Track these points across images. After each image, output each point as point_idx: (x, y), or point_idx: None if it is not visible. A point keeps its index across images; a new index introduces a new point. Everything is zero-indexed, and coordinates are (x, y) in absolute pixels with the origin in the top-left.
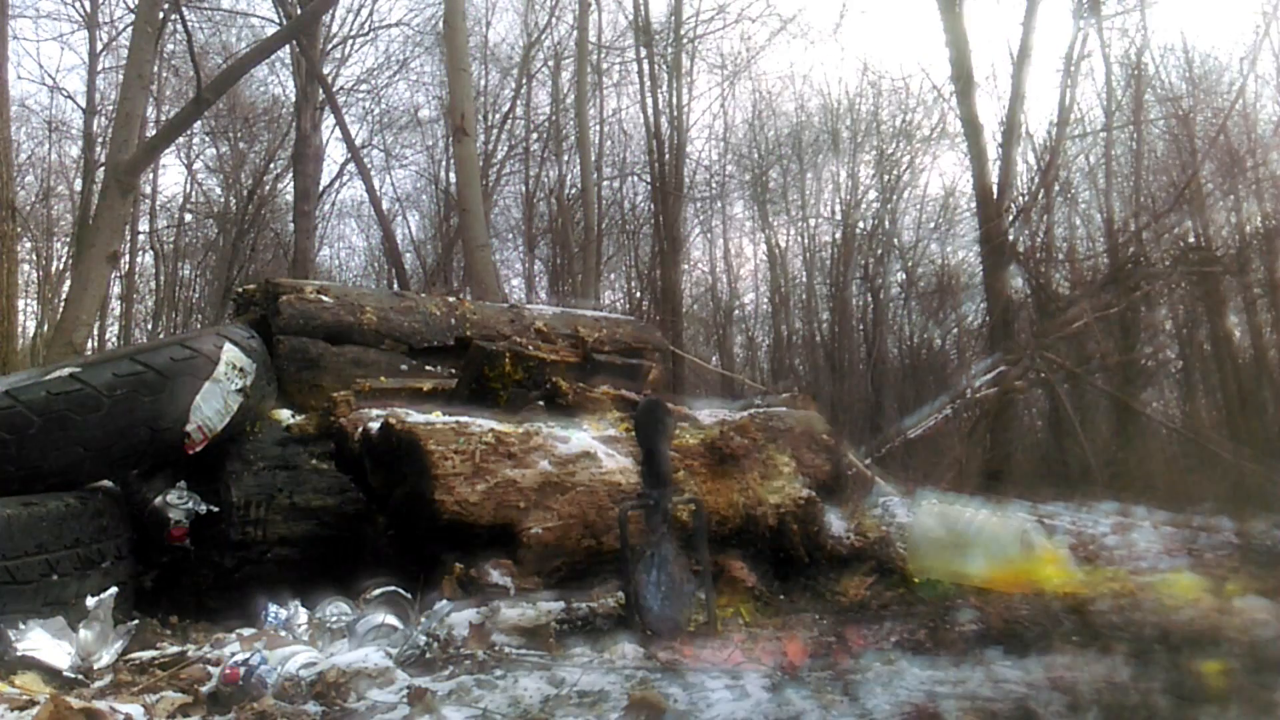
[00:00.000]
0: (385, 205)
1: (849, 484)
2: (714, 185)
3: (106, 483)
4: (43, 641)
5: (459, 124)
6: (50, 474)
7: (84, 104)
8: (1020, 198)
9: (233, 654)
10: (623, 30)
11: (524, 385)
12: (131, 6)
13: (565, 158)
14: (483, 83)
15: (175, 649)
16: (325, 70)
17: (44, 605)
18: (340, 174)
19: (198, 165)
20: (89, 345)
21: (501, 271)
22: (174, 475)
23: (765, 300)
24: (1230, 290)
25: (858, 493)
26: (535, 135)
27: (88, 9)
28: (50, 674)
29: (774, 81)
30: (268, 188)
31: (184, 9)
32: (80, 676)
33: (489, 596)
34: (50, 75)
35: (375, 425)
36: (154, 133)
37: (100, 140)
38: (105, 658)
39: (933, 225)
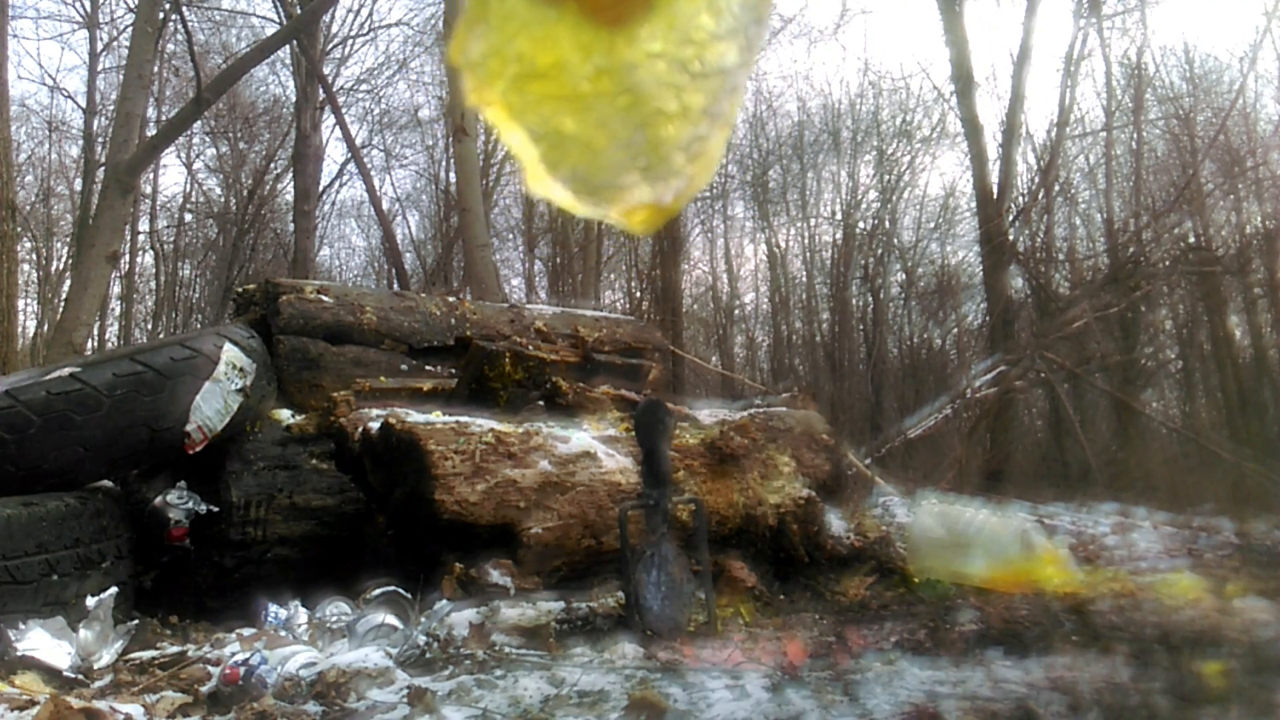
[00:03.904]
0: (385, 205)
1: (849, 484)
2: (714, 185)
3: (106, 483)
4: (43, 641)
5: (459, 124)
6: (50, 474)
7: (84, 104)
8: (1020, 198)
9: (233, 654)
10: None
11: (524, 385)
12: (131, 6)
13: None
14: None
15: (175, 649)
16: (325, 70)
17: (44, 605)
18: (340, 174)
19: (198, 165)
20: (89, 345)
21: (501, 271)
22: (174, 475)
23: (765, 300)
24: (1230, 290)
25: (858, 493)
26: None
27: (88, 9)
28: (50, 674)
29: (775, 81)
30: (268, 188)
31: (184, 9)
32: (80, 676)
33: (489, 596)
34: (50, 75)
35: (375, 425)
36: (154, 133)
37: (100, 140)
38: (105, 658)
39: (933, 225)
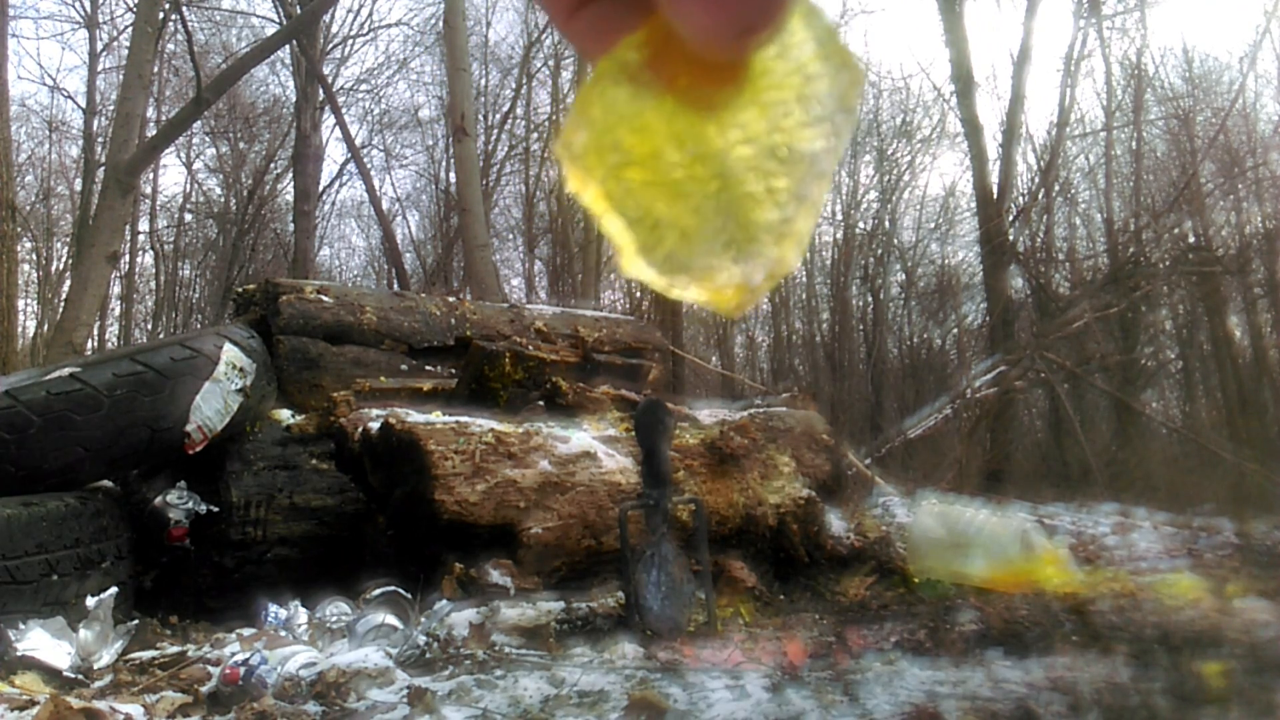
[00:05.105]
0: (385, 205)
1: (849, 484)
2: None
3: (106, 483)
4: (43, 641)
5: (459, 124)
6: (50, 474)
7: (84, 104)
8: (1020, 198)
9: (233, 654)
10: None
11: (524, 385)
12: (131, 6)
13: None
14: (483, 83)
15: (175, 649)
16: (325, 70)
17: (44, 605)
18: (340, 174)
19: (198, 165)
20: (89, 345)
21: (501, 271)
22: (174, 475)
23: (765, 300)
24: (1230, 290)
25: (858, 493)
26: (535, 135)
27: (88, 9)
28: (50, 674)
29: None
30: (268, 188)
31: (184, 9)
32: (80, 676)
33: (489, 596)
34: (50, 75)
35: (375, 425)
36: (154, 133)
37: (100, 140)
38: (105, 658)
39: (933, 225)
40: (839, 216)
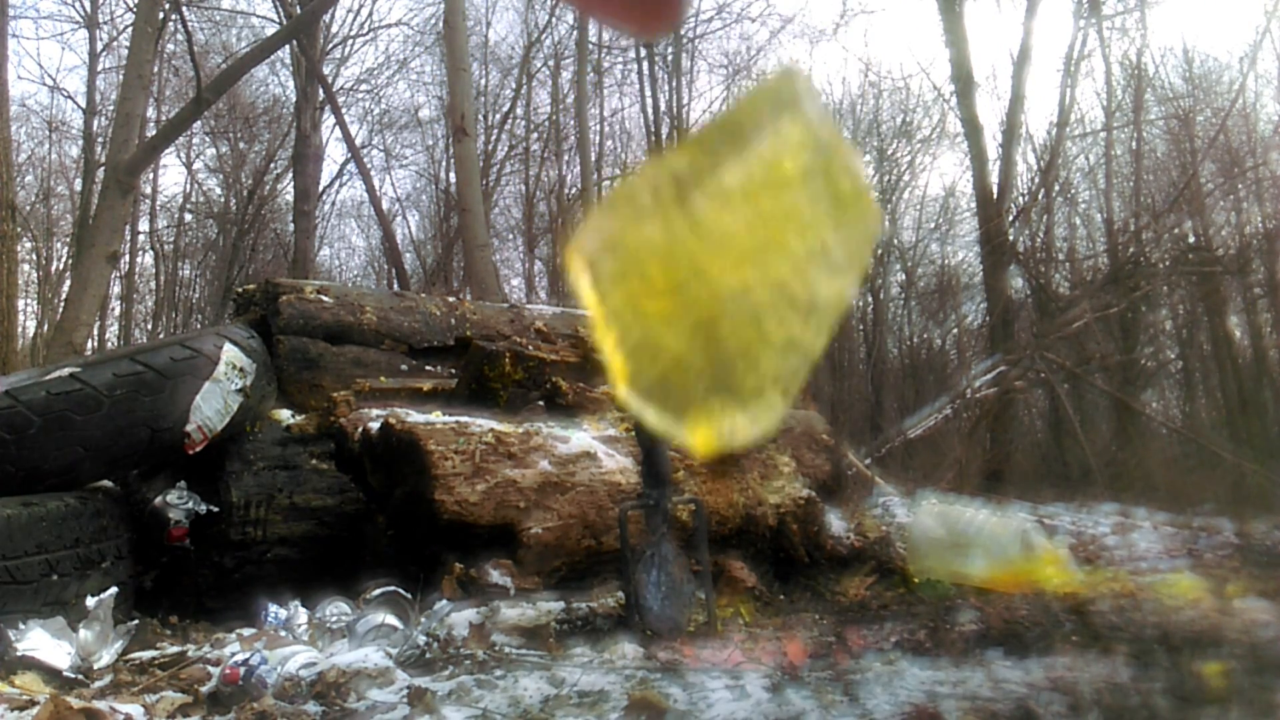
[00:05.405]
0: (385, 205)
1: (849, 484)
2: None
3: (106, 483)
4: (43, 641)
5: (459, 124)
6: (50, 474)
7: (84, 104)
8: (1020, 198)
9: (233, 654)
10: None
11: (524, 385)
12: (131, 6)
13: (565, 158)
14: (483, 83)
15: (175, 649)
16: (325, 70)
17: (44, 605)
18: (340, 174)
19: (198, 165)
20: (89, 345)
21: (501, 271)
22: (174, 475)
23: None
24: (1230, 290)
25: (858, 493)
26: (535, 135)
27: (88, 9)
28: (50, 674)
29: None
30: (268, 188)
31: (184, 9)
32: (80, 676)
33: (489, 596)
34: (50, 75)
35: (375, 425)
36: (154, 133)
37: (100, 140)
38: (105, 658)
39: (933, 225)
40: None
